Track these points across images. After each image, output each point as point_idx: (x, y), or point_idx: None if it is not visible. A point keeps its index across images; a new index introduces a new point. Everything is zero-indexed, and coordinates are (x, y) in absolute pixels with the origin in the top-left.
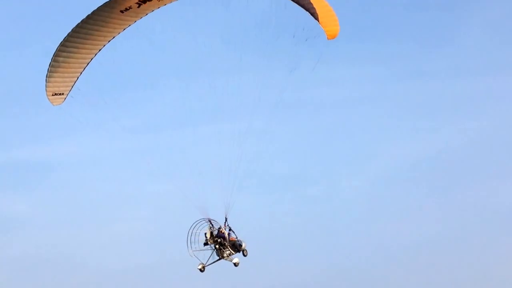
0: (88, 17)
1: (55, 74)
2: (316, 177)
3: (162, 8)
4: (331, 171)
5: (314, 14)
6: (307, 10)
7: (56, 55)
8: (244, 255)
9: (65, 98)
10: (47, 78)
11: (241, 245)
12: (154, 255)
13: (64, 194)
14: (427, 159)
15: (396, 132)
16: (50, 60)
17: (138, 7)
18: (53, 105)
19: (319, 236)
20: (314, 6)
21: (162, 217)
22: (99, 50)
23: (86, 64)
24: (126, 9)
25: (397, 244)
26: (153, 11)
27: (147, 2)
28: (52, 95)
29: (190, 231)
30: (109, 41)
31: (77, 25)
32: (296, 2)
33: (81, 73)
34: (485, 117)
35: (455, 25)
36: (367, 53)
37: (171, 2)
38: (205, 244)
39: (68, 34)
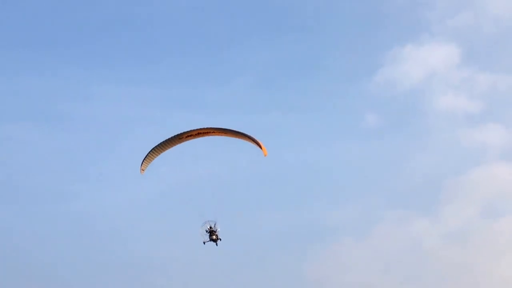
0: (166, 140)
1: (144, 162)
2: None
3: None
4: None
5: (258, 143)
6: (254, 142)
7: (149, 153)
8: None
9: (143, 170)
10: (142, 162)
11: (217, 238)
12: None
13: None
14: None
15: None
16: (144, 156)
17: (186, 137)
18: (141, 173)
19: None
20: (257, 140)
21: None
22: (164, 152)
23: (155, 158)
24: (181, 138)
25: None
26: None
27: (191, 137)
28: (142, 169)
29: (201, 225)
30: (169, 149)
31: (160, 142)
32: (251, 141)
33: (151, 162)
34: None
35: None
36: None
37: (204, 136)
38: (207, 231)
39: (155, 146)
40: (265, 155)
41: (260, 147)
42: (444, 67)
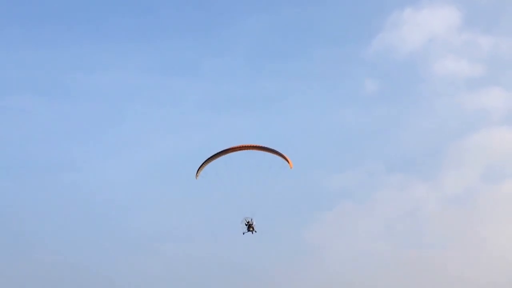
0: (215, 153)
1: (199, 171)
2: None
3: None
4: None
5: (284, 158)
6: (281, 156)
7: (202, 164)
8: (253, 233)
9: (198, 176)
10: (198, 170)
11: (254, 229)
12: None
13: None
14: None
15: None
16: (198, 166)
17: (231, 151)
18: (196, 179)
19: None
20: (283, 155)
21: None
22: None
23: (207, 166)
24: (227, 152)
25: None
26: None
27: (235, 151)
28: (196, 175)
29: (242, 219)
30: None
31: (211, 155)
32: (278, 155)
33: (203, 169)
34: None
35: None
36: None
37: (244, 150)
38: (246, 225)
39: (207, 158)
40: (291, 168)
41: (288, 161)
42: (445, 30)
